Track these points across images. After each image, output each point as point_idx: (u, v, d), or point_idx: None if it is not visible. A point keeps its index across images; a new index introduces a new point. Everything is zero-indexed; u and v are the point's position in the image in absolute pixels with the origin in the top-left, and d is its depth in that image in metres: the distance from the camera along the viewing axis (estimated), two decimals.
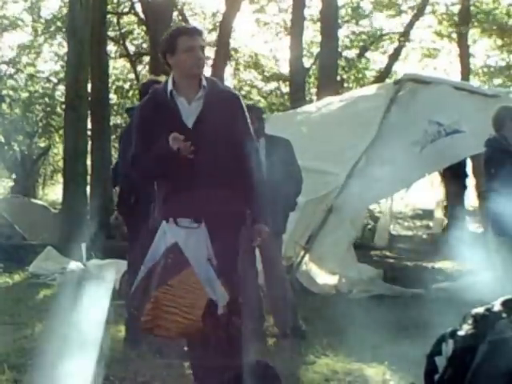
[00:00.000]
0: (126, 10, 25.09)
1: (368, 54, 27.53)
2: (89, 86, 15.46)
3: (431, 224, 16.28)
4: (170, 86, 4.45)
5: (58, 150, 30.21)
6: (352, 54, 26.90)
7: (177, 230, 4.16)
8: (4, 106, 26.75)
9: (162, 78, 6.23)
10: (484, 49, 26.10)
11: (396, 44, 24.38)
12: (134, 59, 25.85)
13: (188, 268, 3.92)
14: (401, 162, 8.30)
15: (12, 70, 27.18)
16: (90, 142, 16.22)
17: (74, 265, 10.83)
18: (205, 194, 4.22)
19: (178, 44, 4.42)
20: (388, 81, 20.18)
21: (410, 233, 16.74)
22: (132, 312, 4.24)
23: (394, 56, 24.40)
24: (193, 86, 4.42)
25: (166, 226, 4.15)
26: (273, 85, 28.28)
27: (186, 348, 5.73)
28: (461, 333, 3.46)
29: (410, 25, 23.45)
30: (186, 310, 3.88)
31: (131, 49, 26.17)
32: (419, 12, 23.21)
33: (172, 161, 4.20)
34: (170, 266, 3.94)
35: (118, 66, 27.51)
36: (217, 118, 4.33)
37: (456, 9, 23.04)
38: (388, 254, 13.01)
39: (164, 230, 4.14)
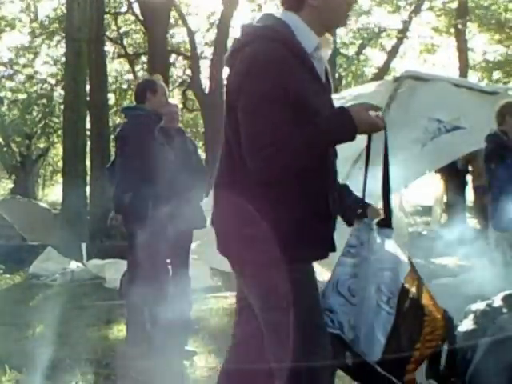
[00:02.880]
0: (124, 10, 25.08)
1: (366, 51, 27.54)
2: (87, 87, 15.47)
3: (430, 220, 16.28)
4: (313, 38, 2.83)
5: (57, 150, 30.24)
6: (350, 51, 26.90)
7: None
8: (2, 108, 26.75)
9: (157, 78, 6.23)
10: (482, 43, 26.13)
11: (394, 40, 24.38)
12: (132, 59, 25.84)
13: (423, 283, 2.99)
14: (401, 159, 8.27)
15: (10, 71, 27.18)
16: (88, 143, 16.23)
17: (74, 265, 10.85)
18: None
19: None
20: (387, 77, 20.16)
21: (409, 229, 16.73)
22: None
23: (393, 52, 24.39)
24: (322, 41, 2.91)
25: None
26: None
27: (187, 347, 5.76)
28: (462, 328, 3.47)
29: (408, 21, 23.44)
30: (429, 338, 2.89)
31: (129, 49, 26.16)
32: (417, 8, 23.21)
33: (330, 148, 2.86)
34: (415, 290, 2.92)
35: (116, 66, 27.50)
36: None
37: (454, 4, 23.04)
38: None
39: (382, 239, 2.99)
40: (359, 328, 2.76)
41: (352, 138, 2.73)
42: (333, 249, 2.87)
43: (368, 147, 3.01)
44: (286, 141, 2.63)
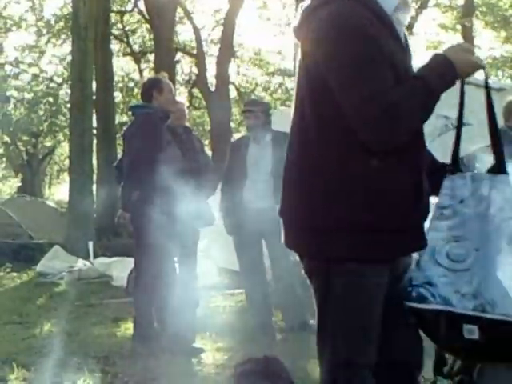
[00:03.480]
0: (130, 8, 25.10)
1: None
2: (93, 85, 15.48)
3: None
4: None
5: (64, 149, 30.31)
6: None
7: None
8: (9, 107, 26.82)
9: (162, 75, 6.23)
10: (488, 40, 26.10)
11: None
12: (138, 57, 25.87)
13: None
14: None
15: (16, 70, 27.24)
16: (95, 141, 16.25)
17: (81, 263, 10.87)
18: None
19: None
20: None
21: None
22: None
23: None
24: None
25: None
26: (277, 80, 28.27)
27: (194, 345, 5.76)
28: None
29: (415, 17, 23.42)
30: None
31: (135, 47, 26.19)
32: (423, 4, 23.18)
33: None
34: None
35: (122, 65, 27.53)
36: None
37: (460, 1, 23.00)
38: None
39: None
40: (490, 291, 2.39)
41: (453, 84, 2.50)
42: (424, 243, 2.53)
43: (462, 93, 2.72)
44: (402, 100, 2.35)
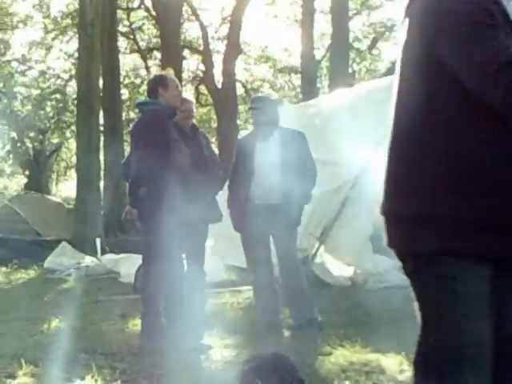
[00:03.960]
0: (136, 5, 25.11)
1: (379, 45, 27.46)
2: (100, 82, 15.50)
3: None
4: None
5: (71, 145, 30.34)
6: (363, 45, 26.83)
7: None
8: (16, 103, 26.85)
9: (168, 72, 6.23)
10: None
11: None
12: (145, 54, 25.89)
13: None
14: None
15: (23, 67, 27.29)
16: (102, 138, 16.27)
17: (88, 260, 10.88)
18: None
19: None
20: None
21: None
22: None
23: None
24: None
25: None
26: (284, 77, 28.26)
27: (202, 341, 5.76)
28: None
29: None
30: None
31: (142, 44, 26.20)
32: None
33: None
34: None
35: (129, 61, 27.55)
36: None
37: None
38: None
39: None
40: None
41: None
42: None
43: None
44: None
